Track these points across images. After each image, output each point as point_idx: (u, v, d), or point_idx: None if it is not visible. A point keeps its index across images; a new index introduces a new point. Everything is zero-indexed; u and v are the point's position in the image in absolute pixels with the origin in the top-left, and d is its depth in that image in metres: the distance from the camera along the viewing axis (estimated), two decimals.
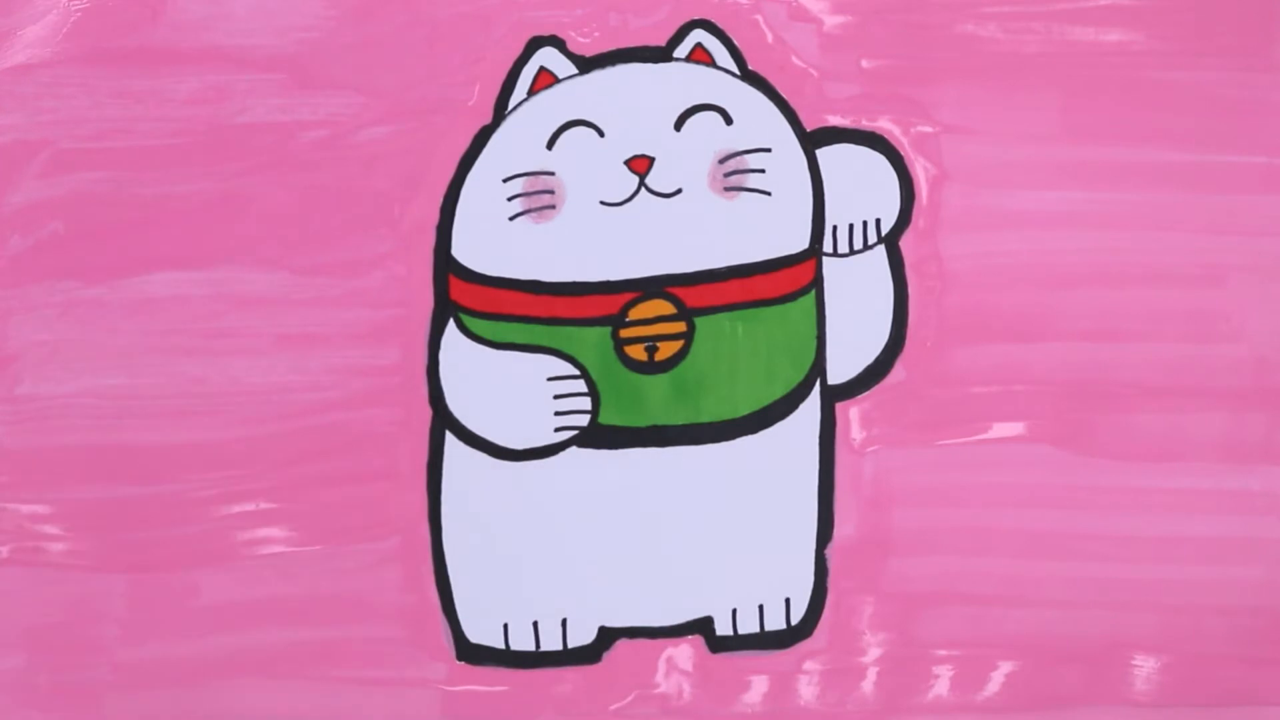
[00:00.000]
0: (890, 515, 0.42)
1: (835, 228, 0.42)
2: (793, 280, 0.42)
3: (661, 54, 0.42)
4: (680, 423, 0.42)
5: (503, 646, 0.41)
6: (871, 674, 0.42)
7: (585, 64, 0.42)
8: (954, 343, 0.42)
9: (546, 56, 0.42)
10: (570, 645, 0.41)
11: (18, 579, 0.41)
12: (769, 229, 0.42)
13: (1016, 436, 0.42)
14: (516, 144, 0.42)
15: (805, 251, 0.42)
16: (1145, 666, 0.42)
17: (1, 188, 0.42)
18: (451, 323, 0.42)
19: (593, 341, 0.41)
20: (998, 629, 0.42)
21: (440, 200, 0.42)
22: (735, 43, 0.42)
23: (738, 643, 0.42)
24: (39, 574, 0.41)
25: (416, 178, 0.42)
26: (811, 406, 0.42)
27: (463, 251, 0.42)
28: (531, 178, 0.42)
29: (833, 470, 0.42)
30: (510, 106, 0.42)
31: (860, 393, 0.42)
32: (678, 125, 0.42)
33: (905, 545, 0.42)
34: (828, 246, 0.42)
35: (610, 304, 0.41)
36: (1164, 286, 0.42)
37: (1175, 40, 0.43)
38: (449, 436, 0.42)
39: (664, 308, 0.41)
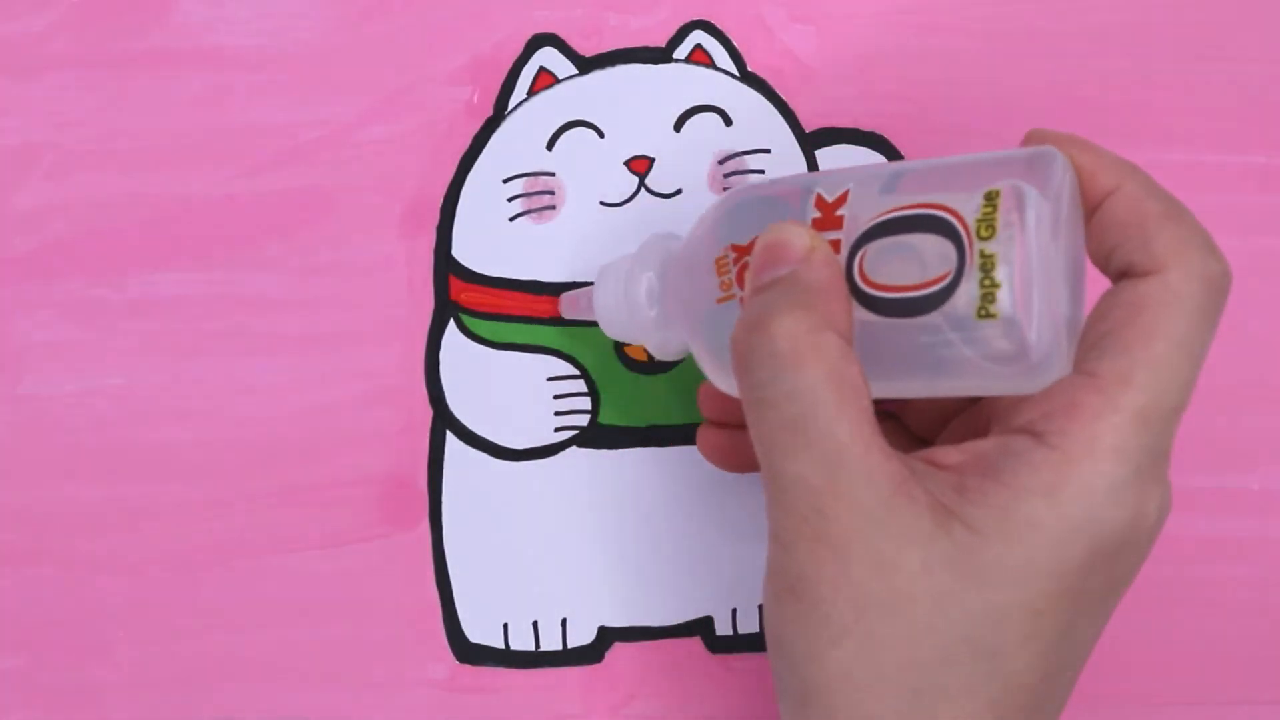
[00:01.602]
0: None
1: None
2: None
3: (661, 55, 0.42)
4: (680, 423, 0.42)
5: (503, 646, 0.41)
6: None
7: (585, 64, 0.42)
8: None
9: (546, 56, 0.42)
10: (570, 645, 0.41)
11: (18, 579, 0.41)
12: None
13: None
14: (516, 144, 0.42)
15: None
16: (1145, 666, 0.42)
17: (5, 189, 0.42)
18: (451, 323, 0.42)
19: (593, 341, 0.41)
20: None
21: (440, 200, 0.42)
22: (735, 44, 0.43)
23: (738, 643, 0.42)
24: (39, 574, 0.41)
25: (416, 178, 0.42)
26: None
27: (463, 251, 0.42)
28: (531, 178, 0.42)
29: None
30: (510, 106, 0.42)
31: None
32: (677, 126, 0.42)
33: None
34: None
35: None
36: None
37: (1175, 40, 0.43)
38: (449, 436, 0.42)
39: None
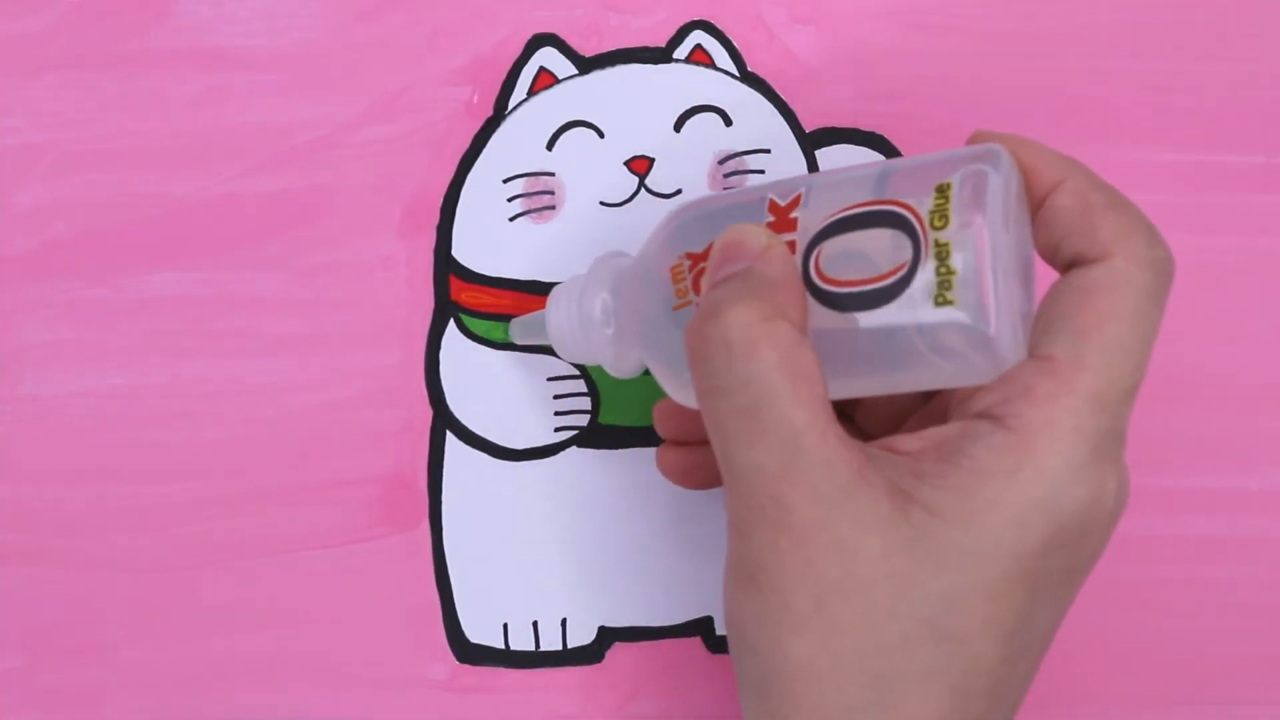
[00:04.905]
0: None
1: None
2: None
3: (661, 55, 0.42)
4: None
5: (503, 646, 0.41)
6: None
7: (585, 64, 0.42)
8: None
9: (546, 56, 0.42)
10: (570, 645, 0.41)
11: (18, 579, 0.41)
12: None
13: None
14: (516, 144, 0.42)
15: None
16: (1145, 666, 0.42)
17: (6, 189, 0.42)
18: (451, 323, 0.42)
19: None
20: None
21: (440, 200, 0.42)
22: (735, 44, 0.43)
23: None
24: (39, 574, 0.41)
25: (416, 178, 0.42)
26: None
27: (463, 251, 0.42)
28: (531, 178, 0.42)
29: None
30: (510, 106, 0.42)
31: None
32: (677, 126, 0.42)
33: None
34: None
35: None
36: None
37: (1175, 40, 0.43)
38: (449, 436, 0.42)
39: None
